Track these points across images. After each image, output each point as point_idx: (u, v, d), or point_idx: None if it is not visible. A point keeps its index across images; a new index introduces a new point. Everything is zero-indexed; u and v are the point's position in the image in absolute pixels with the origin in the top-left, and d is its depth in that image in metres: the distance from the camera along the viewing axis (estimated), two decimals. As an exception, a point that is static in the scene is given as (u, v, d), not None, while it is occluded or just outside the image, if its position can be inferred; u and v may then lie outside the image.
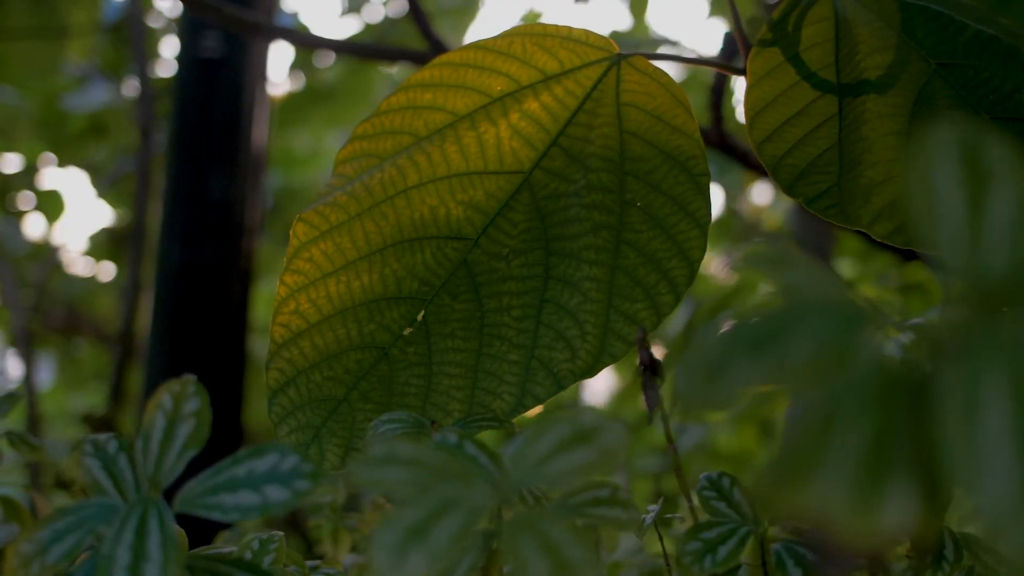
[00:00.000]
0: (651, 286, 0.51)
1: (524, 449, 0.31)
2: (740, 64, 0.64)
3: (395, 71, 2.56)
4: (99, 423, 1.67)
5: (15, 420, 2.25)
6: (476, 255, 0.53)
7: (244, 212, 1.39)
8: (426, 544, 0.28)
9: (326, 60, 2.31)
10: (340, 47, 0.96)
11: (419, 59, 0.86)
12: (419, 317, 0.53)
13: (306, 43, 0.91)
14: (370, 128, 0.56)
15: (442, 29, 2.44)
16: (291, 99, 2.31)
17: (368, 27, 2.43)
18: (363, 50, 0.98)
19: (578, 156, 0.54)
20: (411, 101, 0.56)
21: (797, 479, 0.19)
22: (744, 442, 2.48)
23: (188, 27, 1.39)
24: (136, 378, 1.95)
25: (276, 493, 0.36)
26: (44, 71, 1.57)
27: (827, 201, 0.51)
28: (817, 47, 0.55)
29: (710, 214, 0.52)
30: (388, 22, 2.43)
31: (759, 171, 0.83)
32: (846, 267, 2.24)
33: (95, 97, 1.95)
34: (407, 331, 0.53)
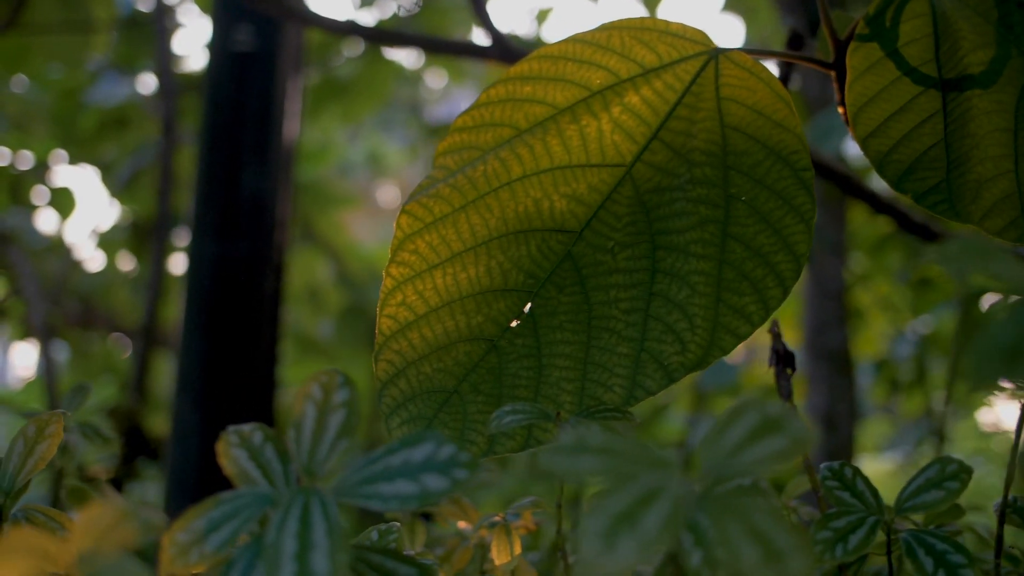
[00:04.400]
0: (758, 280, 0.52)
1: (715, 438, 0.31)
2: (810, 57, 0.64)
3: (413, 64, 2.56)
4: (124, 417, 1.67)
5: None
6: (581, 248, 0.54)
7: (276, 205, 1.39)
8: (636, 531, 0.28)
9: (351, 52, 2.31)
10: (394, 39, 0.96)
11: (480, 53, 0.86)
12: (526, 309, 0.53)
13: (361, 34, 0.91)
14: (470, 120, 0.56)
15: (449, 25, 2.44)
16: (305, 94, 2.30)
17: (380, 23, 2.43)
18: (417, 41, 0.98)
19: (680, 150, 0.54)
20: (510, 94, 0.56)
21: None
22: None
23: (220, 21, 1.39)
24: (157, 372, 1.94)
25: (434, 482, 0.36)
26: (70, 65, 1.56)
27: (936, 197, 0.51)
28: (916, 43, 0.55)
29: (815, 209, 0.53)
30: (397, 19, 2.42)
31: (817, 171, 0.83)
32: (858, 261, 2.25)
33: (117, 91, 1.94)
34: (514, 323, 0.53)
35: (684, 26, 0.57)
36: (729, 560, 0.28)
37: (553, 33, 3.54)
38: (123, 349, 2.44)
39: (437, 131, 2.63)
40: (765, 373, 2.81)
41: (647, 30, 0.56)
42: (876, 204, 1.03)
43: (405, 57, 2.60)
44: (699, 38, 0.57)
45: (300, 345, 2.39)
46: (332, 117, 2.41)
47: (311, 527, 0.35)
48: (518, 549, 0.57)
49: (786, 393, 0.42)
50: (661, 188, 0.54)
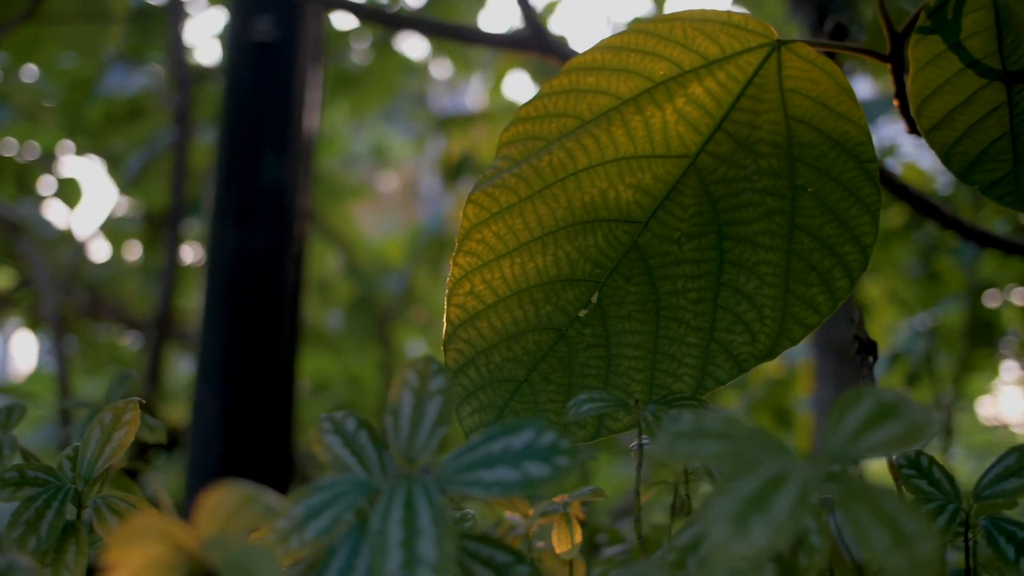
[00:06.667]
0: (826, 271, 0.52)
1: (834, 425, 0.31)
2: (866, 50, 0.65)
3: (419, 56, 2.55)
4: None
5: (44, 404, 2.23)
6: (647, 238, 0.54)
7: (296, 196, 1.39)
8: (767, 515, 0.28)
9: (359, 44, 2.30)
10: (427, 28, 0.96)
11: (519, 45, 0.86)
12: (594, 299, 0.53)
13: (389, 21, 0.91)
14: (533, 110, 0.56)
15: (456, 17, 2.44)
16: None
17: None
18: (450, 31, 0.98)
19: (745, 141, 0.55)
20: (574, 84, 0.56)
21: None
22: (760, 430, 2.49)
23: (240, 10, 1.39)
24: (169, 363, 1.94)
25: (536, 469, 0.36)
26: (85, 55, 1.56)
27: (1003, 189, 0.51)
28: (978, 35, 0.55)
29: (880, 200, 0.53)
30: (404, 10, 2.42)
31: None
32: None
33: (129, 82, 1.94)
34: (582, 313, 0.53)
35: (746, 17, 0.57)
36: (859, 545, 0.28)
37: (558, 27, 3.53)
38: (130, 340, 2.44)
39: (444, 123, 2.63)
40: (772, 367, 2.82)
41: (709, 21, 0.57)
42: (899, 192, 1.04)
43: (411, 49, 2.60)
44: (761, 30, 0.57)
45: (309, 336, 2.38)
46: (340, 109, 2.40)
47: (416, 514, 0.35)
48: (579, 538, 0.57)
49: (869, 381, 0.42)
50: (727, 179, 0.54)
